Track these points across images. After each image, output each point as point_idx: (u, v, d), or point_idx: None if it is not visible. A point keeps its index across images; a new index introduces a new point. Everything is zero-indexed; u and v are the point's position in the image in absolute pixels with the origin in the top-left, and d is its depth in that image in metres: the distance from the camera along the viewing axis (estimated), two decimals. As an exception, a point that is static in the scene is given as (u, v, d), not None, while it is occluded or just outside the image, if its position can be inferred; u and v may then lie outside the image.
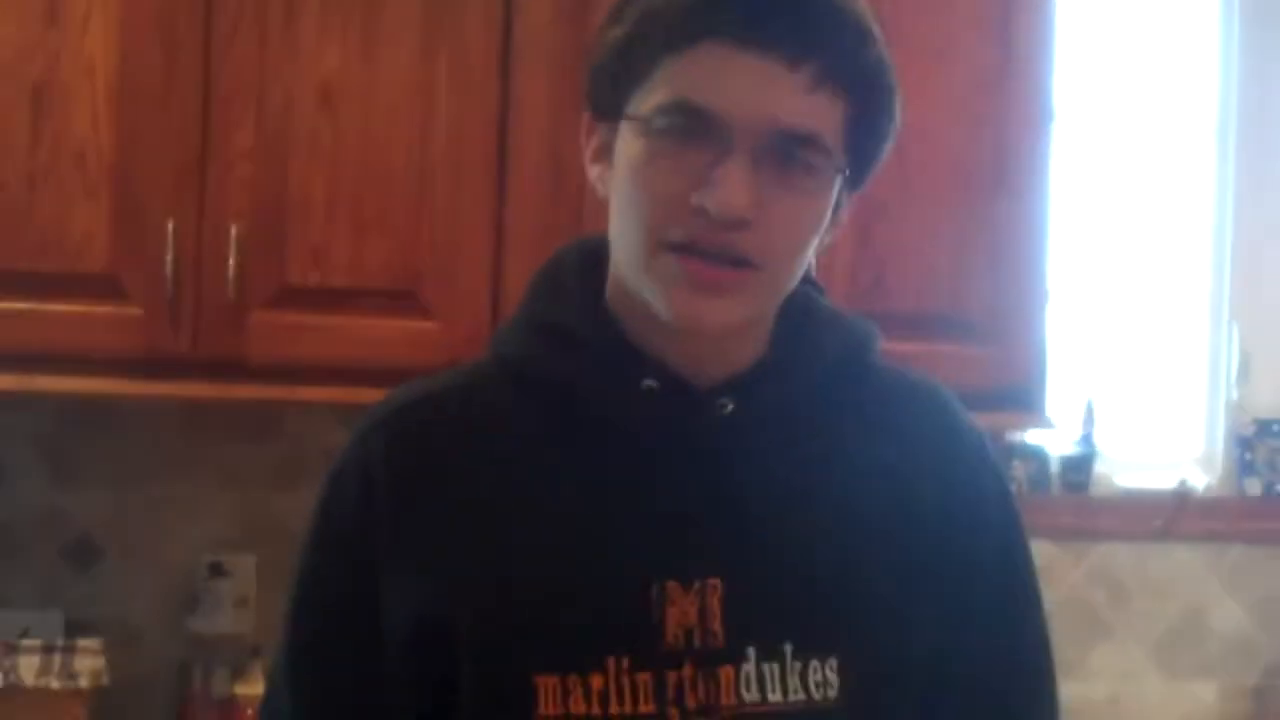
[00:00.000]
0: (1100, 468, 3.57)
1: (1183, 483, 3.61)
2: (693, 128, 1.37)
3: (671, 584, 1.44)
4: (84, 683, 2.93)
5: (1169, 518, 3.58)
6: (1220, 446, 3.69)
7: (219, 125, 2.84)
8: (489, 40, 2.92)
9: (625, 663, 1.43)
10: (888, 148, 1.47)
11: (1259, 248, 3.69)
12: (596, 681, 1.43)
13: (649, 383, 1.47)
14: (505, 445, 1.50)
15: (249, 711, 3.05)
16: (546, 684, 1.43)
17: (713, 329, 1.42)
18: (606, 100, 1.46)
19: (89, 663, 2.93)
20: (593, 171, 1.51)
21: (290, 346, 2.86)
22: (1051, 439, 3.53)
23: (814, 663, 1.45)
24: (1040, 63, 3.11)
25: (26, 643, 2.92)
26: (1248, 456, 3.65)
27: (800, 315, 1.52)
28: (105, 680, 2.95)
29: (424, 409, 1.54)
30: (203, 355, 2.83)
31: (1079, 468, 3.52)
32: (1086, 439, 3.55)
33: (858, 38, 1.40)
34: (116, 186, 2.81)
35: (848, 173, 1.44)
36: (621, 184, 1.43)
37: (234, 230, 2.82)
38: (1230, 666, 3.60)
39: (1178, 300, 3.70)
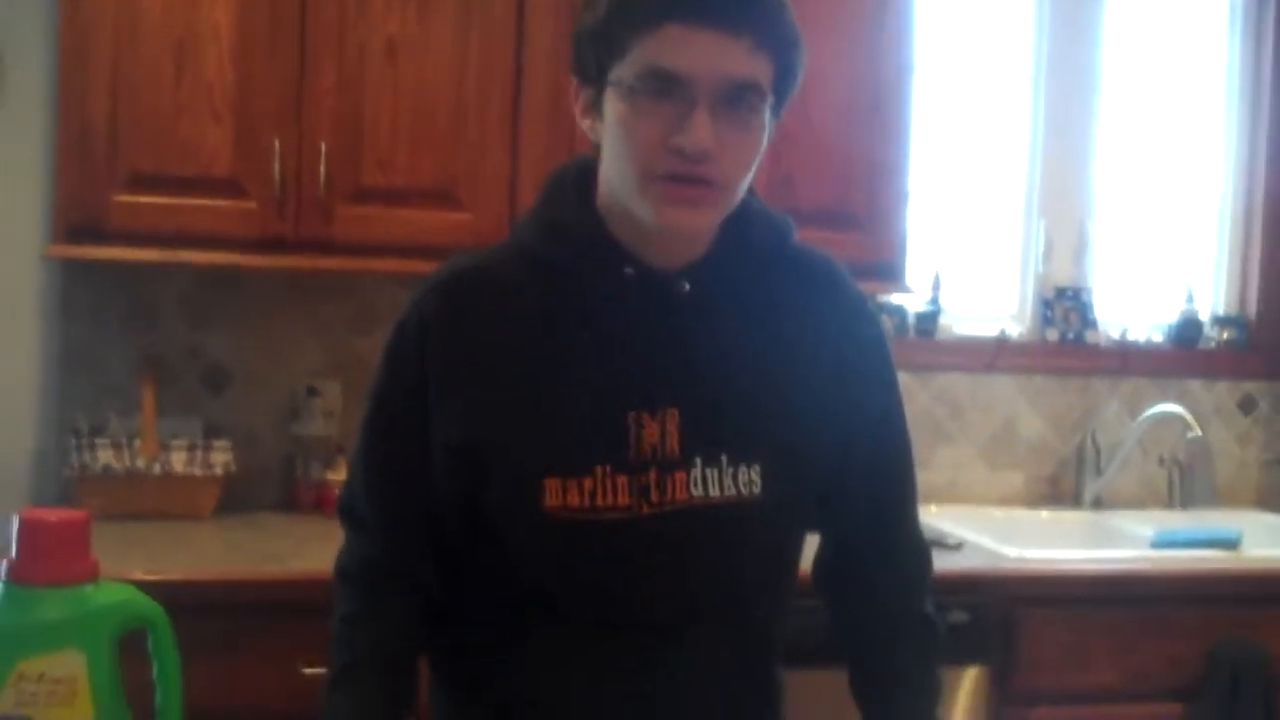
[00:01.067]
0: (944, 320, 3.60)
1: (1002, 331, 3.65)
2: (664, 88, 1.38)
3: (642, 413, 1.47)
4: (218, 471, 2.99)
5: (992, 356, 3.61)
6: (1030, 305, 3.72)
7: (311, 70, 2.84)
8: (508, 8, 2.91)
9: (608, 469, 1.45)
10: (794, 88, 1.48)
11: (1061, 162, 3.70)
12: (588, 483, 1.45)
13: (628, 270, 1.48)
14: (522, 309, 1.50)
15: (335, 491, 3.07)
16: (551, 484, 1.45)
17: (691, 232, 1.46)
18: (590, 70, 1.46)
19: (222, 457, 2.99)
20: (584, 124, 1.50)
21: (364, 230, 2.88)
22: (909, 300, 3.54)
23: (743, 467, 1.48)
24: (904, 26, 3.12)
25: (176, 442, 2.96)
26: (1048, 313, 3.67)
27: (737, 214, 1.51)
28: (234, 469, 3.00)
29: (463, 279, 1.54)
30: (301, 237, 2.85)
31: (929, 320, 3.54)
32: (934, 300, 3.57)
33: (779, 12, 1.42)
34: (236, 114, 2.81)
35: (774, 109, 1.45)
36: (613, 134, 1.43)
37: (323, 146, 2.83)
38: (1032, 461, 3.66)
39: (1002, 199, 3.71)
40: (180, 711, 1.36)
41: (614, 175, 1.46)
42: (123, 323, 3.12)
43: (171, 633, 1.35)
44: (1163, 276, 3.82)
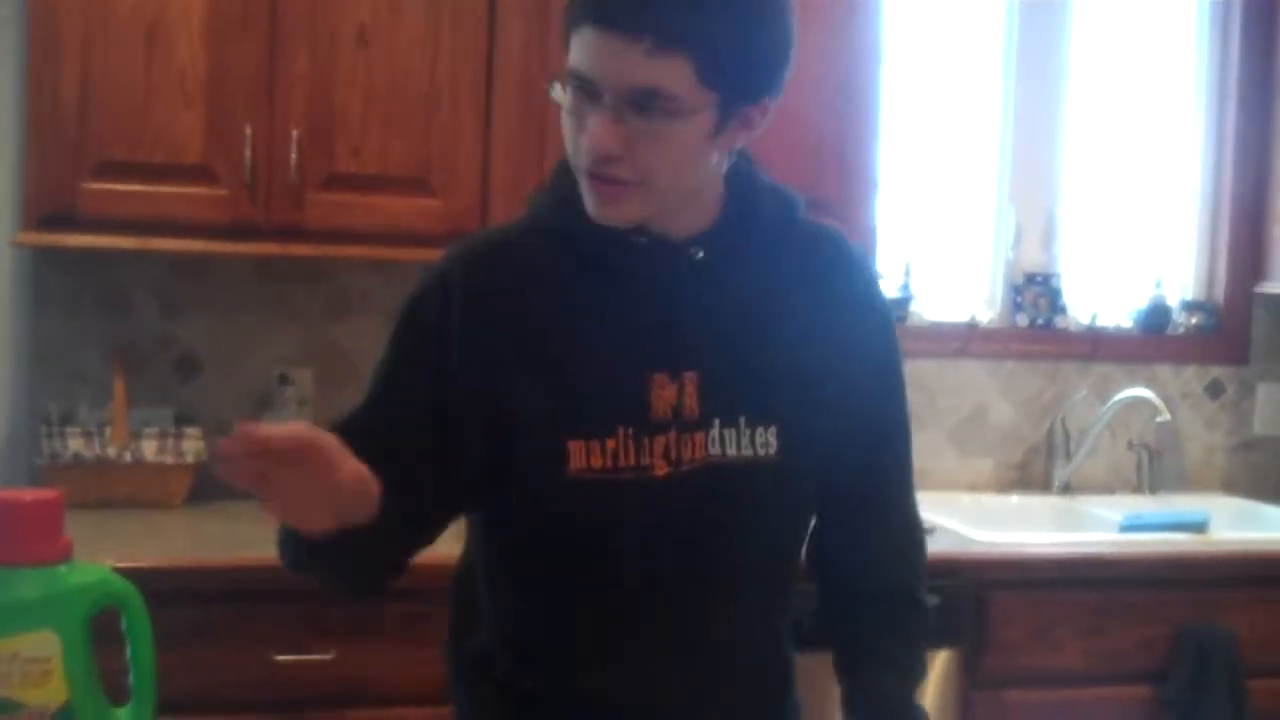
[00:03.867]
0: (914, 306, 3.62)
1: (972, 317, 3.67)
2: (581, 89, 1.42)
3: (661, 375, 1.50)
4: (189, 459, 2.99)
5: (963, 342, 3.64)
6: (1000, 291, 3.74)
7: (282, 56, 2.84)
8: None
9: (630, 431, 1.48)
10: (770, 68, 1.46)
11: (1030, 149, 3.72)
12: (610, 444, 1.48)
13: (640, 239, 1.51)
14: (540, 277, 1.53)
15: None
16: (575, 446, 1.48)
17: (619, 223, 1.48)
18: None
19: (193, 445, 2.98)
20: None
21: (336, 217, 2.88)
22: (881, 286, 3.55)
23: (759, 429, 1.52)
24: (873, 12, 3.14)
25: (147, 430, 2.96)
26: (1018, 299, 3.69)
27: (745, 186, 1.55)
28: (205, 457, 3.00)
29: (484, 249, 1.57)
30: (272, 223, 2.85)
31: (901, 305, 3.55)
32: (905, 286, 3.59)
33: (693, 10, 1.38)
34: (208, 100, 2.81)
35: (724, 100, 1.42)
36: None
37: (295, 133, 2.83)
38: (1002, 447, 3.68)
39: (973, 188, 3.73)
40: (153, 690, 1.36)
41: None
42: (94, 311, 3.11)
43: (145, 612, 1.36)
44: (1132, 262, 3.84)
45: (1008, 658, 2.87)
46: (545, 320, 1.51)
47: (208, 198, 2.81)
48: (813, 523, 1.67)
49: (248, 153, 2.80)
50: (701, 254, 1.52)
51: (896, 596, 1.66)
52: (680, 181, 1.47)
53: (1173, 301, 3.81)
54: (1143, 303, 3.78)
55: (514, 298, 1.52)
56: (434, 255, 2.80)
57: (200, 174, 2.81)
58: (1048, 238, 3.75)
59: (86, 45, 2.74)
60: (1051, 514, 3.49)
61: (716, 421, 1.51)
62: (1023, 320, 3.68)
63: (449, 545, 2.69)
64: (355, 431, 1.44)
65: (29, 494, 1.33)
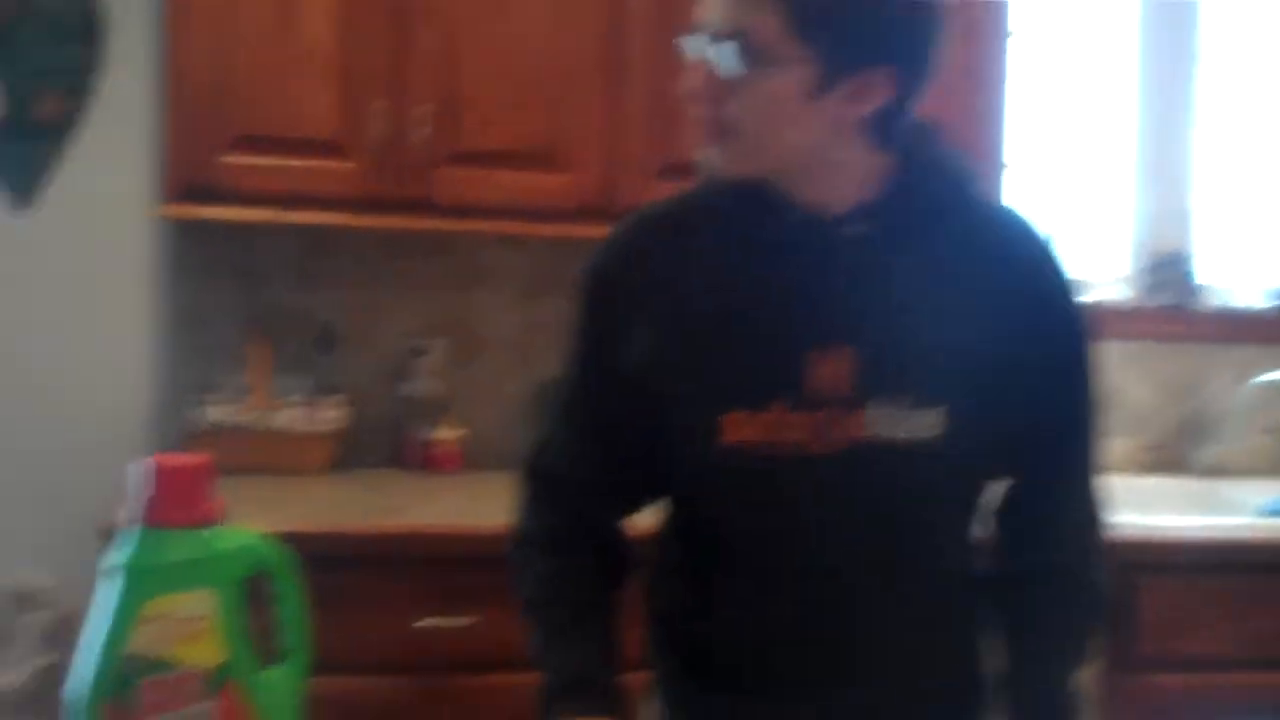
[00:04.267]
0: (1047, 286, 3.54)
1: (1107, 297, 3.59)
2: (701, 35, 1.43)
3: (815, 351, 1.48)
4: (330, 428, 3.02)
5: (1097, 323, 3.55)
6: (1134, 272, 3.65)
7: (413, 32, 2.85)
8: (610, -32, 2.91)
9: (785, 405, 1.47)
10: (869, 36, 1.41)
11: (1165, 131, 3.64)
12: (765, 418, 1.47)
13: (795, 213, 1.50)
14: (702, 251, 1.53)
15: (442, 449, 3.12)
16: (730, 419, 1.48)
17: (726, 172, 1.49)
18: None
19: (333, 414, 3.01)
20: None
21: (464, 191, 2.89)
22: (1067, 272, 3.49)
23: (922, 410, 1.47)
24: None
25: (289, 399, 2.99)
26: (1154, 279, 3.61)
27: (919, 161, 1.52)
28: (346, 425, 3.03)
29: (650, 222, 1.59)
30: (403, 197, 2.86)
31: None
32: (1037, 264, 3.52)
33: None
34: (339, 76, 2.83)
35: (825, 60, 1.40)
36: None
37: (424, 109, 2.84)
38: (1139, 429, 3.60)
39: (1106, 167, 3.65)
40: (307, 652, 1.37)
41: None
42: (233, 281, 3.16)
43: (296, 576, 1.37)
44: (1270, 241, 3.73)
45: (1151, 642, 2.81)
46: (706, 293, 1.51)
47: (340, 172, 2.83)
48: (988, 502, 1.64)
49: (378, 128, 2.81)
50: (859, 229, 1.49)
51: (1069, 576, 1.62)
52: (777, 139, 1.44)
53: (1314, 281, 3.70)
54: (1282, 282, 3.68)
55: (677, 269, 1.52)
56: (562, 230, 2.90)
57: (333, 148, 2.83)
58: (1183, 217, 3.66)
59: (220, 21, 2.77)
60: (1190, 497, 3.41)
61: (876, 400, 1.47)
62: (1159, 301, 3.59)
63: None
64: (576, 404, 1.59)
65: (182, 458, 1.34)
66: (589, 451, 1.60)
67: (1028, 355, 1.53)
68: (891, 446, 1.48)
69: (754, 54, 1.38)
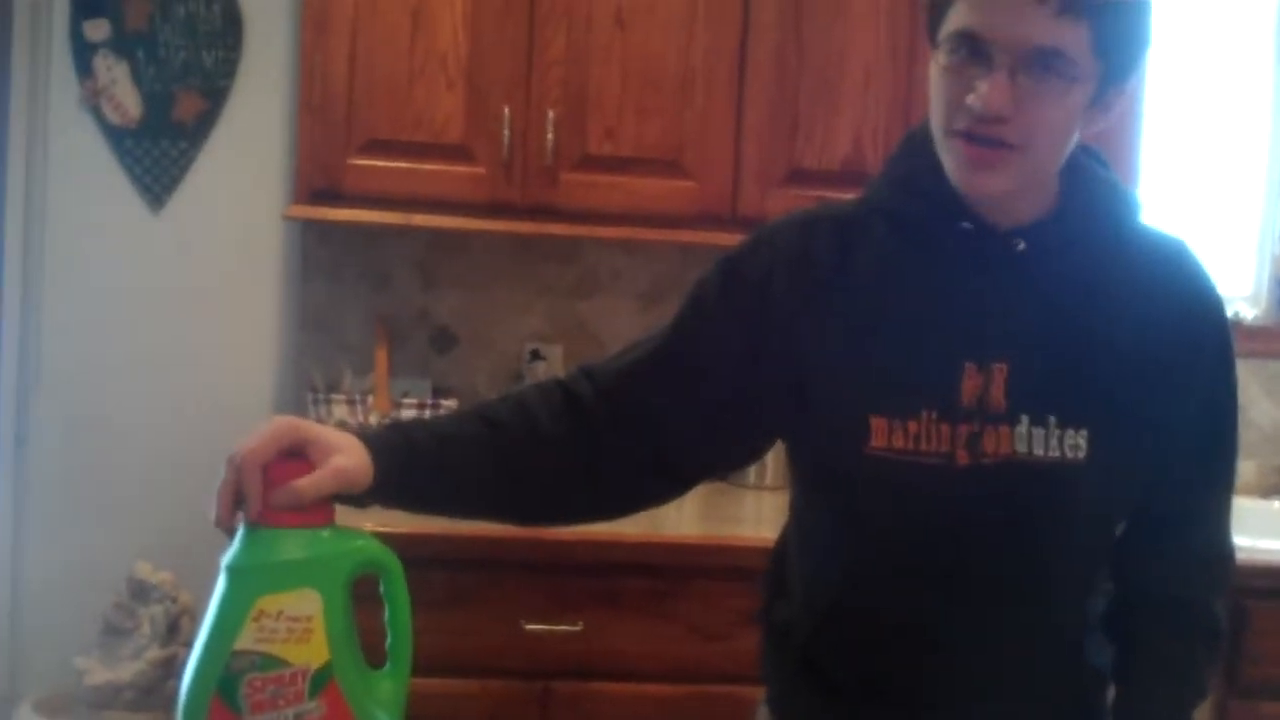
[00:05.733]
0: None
1: (1235, 313, 3.48)
2: (968, 49, 1.38)
3: (970, 364, 1.45)
4: (444, 429, 3.02)
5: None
6: (1265, 288, 3.54)
7: (540, 39, 2.86)
8: (736, -22, 2.89)
9: (933, 415, 1.45)
10: (1143, 52, 1.44)
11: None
12: (913, 426, 1.45)
13: (965, 224, 1.47)
14: (864, 253, 1.51)
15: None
16: (878, 424, 1.45)
17: (983, 194, 1.44)
18: (931, 36, 1.46)
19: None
20: (930, 84, 1.49)
21: (589, 197, 2.89)
22: (1223, 306, 3.40)
23: (1070, 431, 1.45)
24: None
25: (407, 400, 3.01)
26: (1285, 296, 3.52)
27: (1082, 183, 1.50)
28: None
29: (817, 219, 1.56)
30: (528, 202, 2.87)
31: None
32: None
33: None
34: (469, 82, 2.85)
35: (1103, 75, 1.41)
36: (931, 89, 1.44)
37: (551, 114, 2.85)
38: (1265, 450, 3.50)
39: (1239, 179, 3.55)
40: (410, 655, 1.37)
41: (933, 132, 1.47)
42: (358, 283, 3.19)
43: (404, 578, 1.37)
44: None
45: (1268, 668, 2.73)
46: (863, 296, 1.49)
47: (466, 176, 2.85)
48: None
49: (505, 133, 2.83)
50: (1024, 246, 1.47)
51: (1190, 607, 1.57)
52: (1052, 153, 1.44)
53: None
54: None
55: (836, 270, 1.51)
56: (685, 237, 2.89)
57: (460, 153, 2.85)
58: (1316, 231, 3.55)
59: (355, 26, 2.81)
60: (1315, 521, 3.30)
61: (1025, 418, 1.45)
62: (1289, 318, 3.49)
63: (692, 525, 2.70)
64: (642, 359, 1.55)
65: (296, 460, 1.35)
66: (639, 379, 1.55)
67: (1175, 387, 1.51)
68: (1036, 465, 1.45)
69: (1066, 71, 1.38)
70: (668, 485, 1.59)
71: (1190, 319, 1.52)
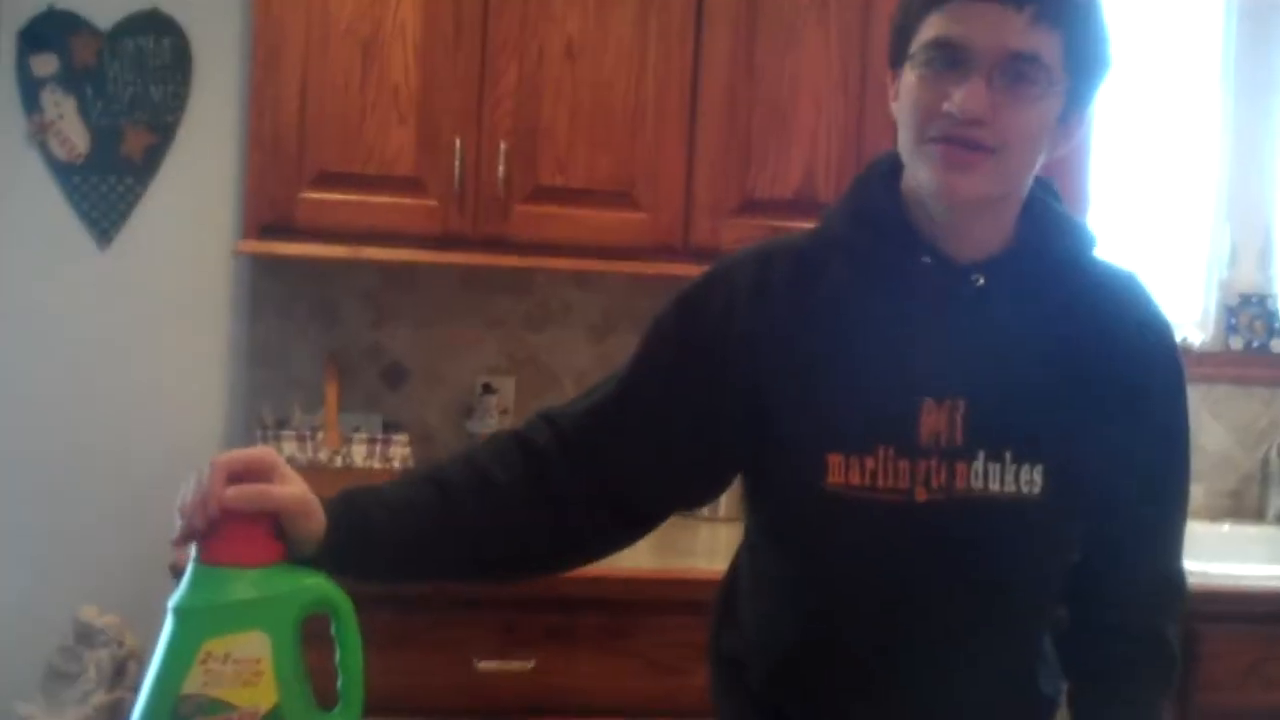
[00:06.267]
0: (1123, 327, 3.47)
1: (1184, 339, 3.51)
2: (946, 57, 1.40)
3: (929, 401, 1.46)
4: (397, 464, 2.99)
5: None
6: (1213, 312, 3.58)
7: (492, 70, 2.84)
8: (686, 7, 2.89)
9: (891, 451, 1.45)
10: (1105, 73, 1.47)
11: (1247, 169, 3.56)
12: (870, 462, 1.45)
13: (925, 259, 1.48)
14: (823, 288, 1.51)
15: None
16: (835, 460, 1.45)
17: (964, 197, 1.43)
18: (896, 57, 1.47)
19: (400, 451, 2.99)
20: (893, 108, 1.50)
21: (541, 229, 2.87)
22: (1175, 340, 3.42)
23: (1025, 466, 1.46)
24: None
25: (357, 436, 2.98)
26: (1233, 321, 3.54)
27: (1037, 216, 1.52)
28: (410, 463, 3.01)
29: (776, 253, 1.56)
30: (479, 234, 2.86)
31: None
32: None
33: None
34: (420, 114, 2.83)
35: (1070, 89, 1.43)
36: (901, 103, 1.45)
37: (503, 146, 2.83)
38: (1214, 474, 3.52)
39: (1187, 206, 3.58)
40: (362, 695, 1.35)
41: (903, 148, 1.47)
42: (308, 318, 3.16)
43: (355, 618, 1.34)
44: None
45: (1220, 693, 2.73)
46: (821, 330, 1.49)
47: (418, 209, 2.83)
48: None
49: (457, 165, 2.82)
50: (982, 281, 1.48)
51: (1144, 635, 1.58)
52: (1024, 162, 1.45)
53: (1399, 325, 3.60)
54: (1366, 326, 3.58)
55: (795, 304, 1.51)
56: (637, 268, 2.89)
57: (411, 186, 2.83)
58: (1264, 257, 3.58)
59: (306, 60, 2.79)
60: (1265, 545, 3.32)
61: (981, 454, 1.46)
62: (1237, 343, 3.52)
63: (646, 558, 2.68)
64: (603, 400, 1.53)
65: (255, 517, 1.32)
66: (600, 421, 1.54)
67: (1129, 418, 1.52)
68: (993, 501, 1.46)
69: (1040, 78, 1.40)
70: (631, 527, 1.58)
71: (1143, 352, 1.54)
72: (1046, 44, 1.39)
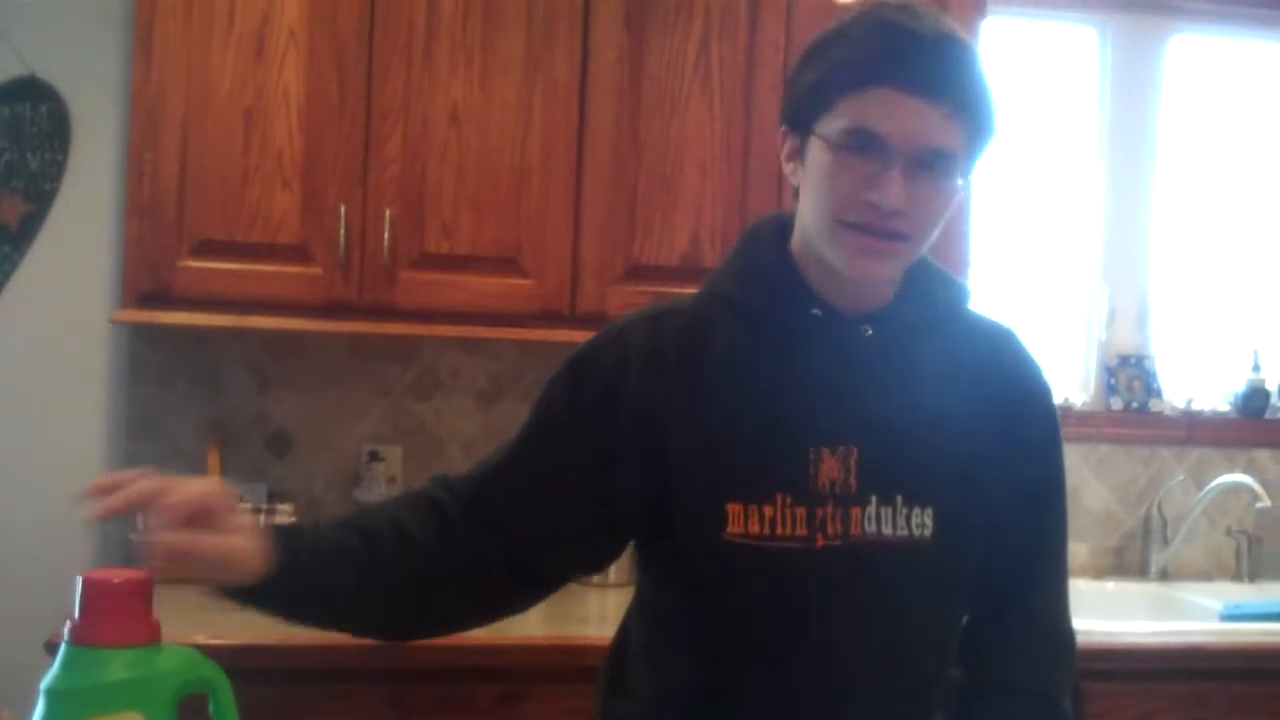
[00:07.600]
0: (1006, 388, 3.52)
1: (1065, 399, 3.58)
2: (865, 145, 1.44)
3: (824, 448, 1.50)
4: (281, 534, 2.95)
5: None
6: (1093, 373, 3.65)
7: (377, 136, 2.84)
8: (571, 74, 2.91)
9: (788, 499, 1.49)
10: (991, 140, 1.52)
11: (1123, 233, 3.66)
12: (768, 511, 1.49)
13: (815, 311, 1.54)
14: (716, 346, 1.55)
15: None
16: (734, 510, 1.49)
17: (877, 279, 1.52)
18: (800, 119, 1.52)
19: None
20: (787, 168, 1.56)
21: (427, 296, 2.87)
22: (1050, 391, 3.47)
23: (916, 509, 1.51)
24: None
25: (241, 506, 2.92)
26: (1112, 381, 3.61)
27: (921, 271, 1.58)
28: (296, 533, 2.97)
29: (664, 314, 1.60)
30: (365, 302, 2.84)
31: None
32: (997, 367, 3.51)
33: (977, 84, 1.47)
34: (304, 180, 2.81)
35: (965, 166, 1.50)
36: (813, 180, 1.49)
37: (388, 213, 2.82)
38: (1097, 532, 3.58)
39: (1065, 268, 3.66)
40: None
41: (809, 219, 1.51)
42: (188, 387, 3.12)
43: (232, 696, 1.32)
44: (1228, 344, 3.74)
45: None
46: (715, 386, 1.53)
47: (303, 276, 2.81)
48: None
49: (342, 232, 2.80)
50: (871, 331, 1.53)
51: (1035, 697, 1.61)
52: (925, 244, 1.51)
53: (1271, 385, 3.69)
54: (1240, 385, 3.67)
55: (687, 362, 1.54)
56: (524, 334, 2.88)
57: (296, 253, 2.81)
58: (1141, 319, 3.67)
59: (186, 126, 2.76)
60: (1149, 601, 3.38)
61: (874, 499, 1.50)
62: (1117, 403, 3.59)
63: (536, 626, 2.66)
64: (500, 463, 1.56)
65: (118, 574, 1.29)
66: (496, 484, 1.56)
67: (1011, 469, 1.58)
68: (886, 544, 1.50)
69: (952, 169, 1.46)
70: (530, 590, 1.61)
71: (1019, 398, 1.61)
72: (956, 136, 1.45)
